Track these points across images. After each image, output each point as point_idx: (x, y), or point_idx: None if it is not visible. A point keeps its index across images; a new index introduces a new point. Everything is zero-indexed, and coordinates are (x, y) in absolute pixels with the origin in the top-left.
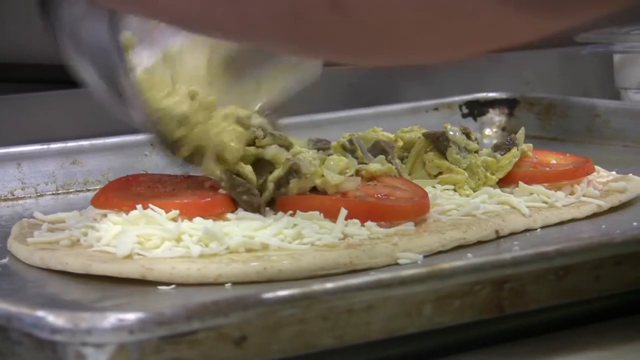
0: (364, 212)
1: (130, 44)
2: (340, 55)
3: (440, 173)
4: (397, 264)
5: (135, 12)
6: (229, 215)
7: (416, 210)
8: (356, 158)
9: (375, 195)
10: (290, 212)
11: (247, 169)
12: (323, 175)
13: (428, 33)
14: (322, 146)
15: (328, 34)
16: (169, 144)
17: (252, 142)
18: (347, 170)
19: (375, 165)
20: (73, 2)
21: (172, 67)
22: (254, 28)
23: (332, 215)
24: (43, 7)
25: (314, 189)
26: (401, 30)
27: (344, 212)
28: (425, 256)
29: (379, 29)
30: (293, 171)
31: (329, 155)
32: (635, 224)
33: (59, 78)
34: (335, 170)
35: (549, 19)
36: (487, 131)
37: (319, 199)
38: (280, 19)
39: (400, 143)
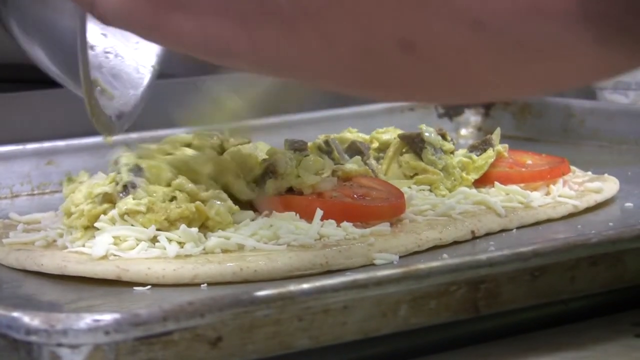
0: (340, 212)
1: None
2: (408, 94)
3: (416, 174)
4: (373, 264)
5: (167, 43)
6: None
7: (392, 211)
8: (332, 159)
9: (352, 196)
10: (266, 212)
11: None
12: (299, 176)
13: (509, 74)
14: (298, 147)
15: (397, 74)
16: None
17: (220, 149)
18: (323, 171)
19: (351, 166)
20: None
21: None
22: (316, 68)
23: (308, 216)
24: None
25: (291, 190)
26: (479, 72)
27: (319, 212)
28: (401, 256)
29: (454, 69)
30: (269, 171)
31: (305, 156)
32: (611, 224)
33: (34, 78)
34: (311, 171)
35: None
36: (463, 131)
37: (295, 199)
38: (347, 59)
39: (376, 144)
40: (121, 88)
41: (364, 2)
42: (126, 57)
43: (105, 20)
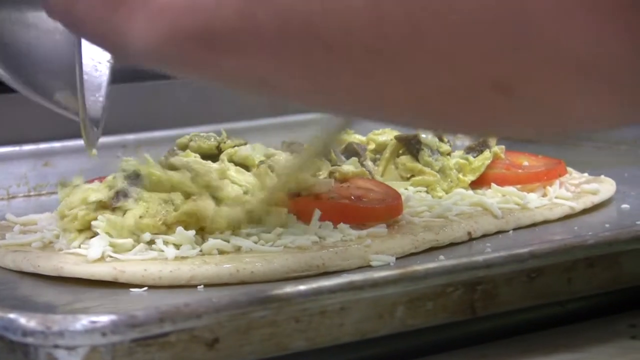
0: (337, 214)
1: None
2: (497, 132)
3: (412, 175)
4: (369, 265)
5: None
6: None
7: (389, 212)
8: (329, 160)
9: (349, 197)
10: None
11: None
12: (297, 177)
13: (615, 110)
14: (295, 149)
15: (488, 114)
16: None
17: (217, 151)
18: (320, 172)
19: (349, 167)
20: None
21: None
22: (391, 109)
23: (305, 217)
24: None
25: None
26: (584, 110)
27: (317, 213)
28: (397, 258)
29: (556, 108)
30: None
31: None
32: (607, 225)
33: None
34: (309, 173)
35: None
36: None
37: (293, 200)
38: (428, 100)
39: (372, 145)
40: (88, 95)
41: (450, 43)
42: (83, 55)
43: (136, 60)
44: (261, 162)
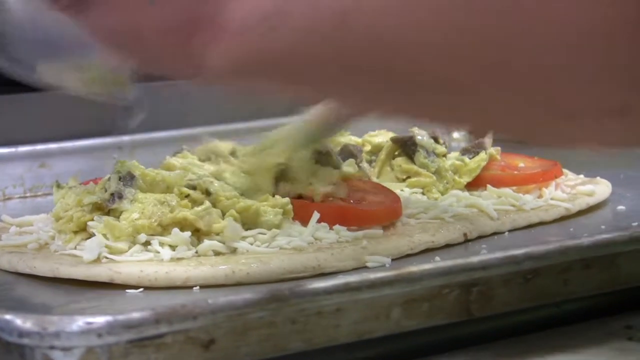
0: (337, 216)
1: None
2: (606, 147)
3: (408, 177)
4: (365, 267)
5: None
6: None
7: (389, 214)
8: (331, 165)
9: (348, 200)
10: None
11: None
12: (311, 184)
13: None
14: (318, 158)
15: (600, 135)
16: None
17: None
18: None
19: (348, 169)
20: None
21: None
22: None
23: (303, 219)
24: None
25: (300, 196)
26: None
27: (316, 215)
28: (393, 259)
29: None
30: (284, 175)
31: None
32: (603, 227)
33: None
34: (325, 182)
35: None
36: (456, 134)
37: (292, 202)
38: (525, 126)
39: (368, 147)
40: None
41: (549, 74)
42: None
43: (209, 81)
44: (280, 164)
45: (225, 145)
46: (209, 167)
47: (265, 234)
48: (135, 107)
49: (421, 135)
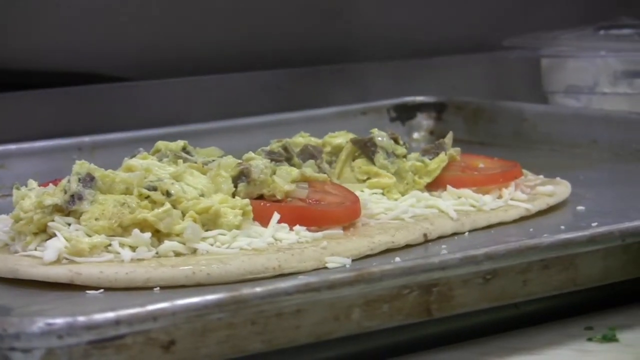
0: (296, 217)
1: None
2: None
3: (368, 178)
4: (325, 267)
5: None
6: None
7: (348, 215)
8: (292, 165)
9: (306, 200)
10: None
11: None
12: (272, 184)
13: None
14: (276, 158)
15: None
16: None
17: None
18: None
19: (308, 170)
20: None
21: None
22: None
23: (263, 220)
24: None
25: (261, 196)
26: None
27: (276, 216)
28: (353, 260)
29: None
30: (242, 175)
31: (280, 165)
32: (562, 227)
33: None
34: (286, 180)
35: None
36: (415, 135)
37: (252, 203)
38: None
39: (328, 148)
40: None
41: None
42: None
43: None
44: (239, 164)
45: (175, 144)
46: (169, 169)
47: (225, 235)
48: None
49: (381, 136)
